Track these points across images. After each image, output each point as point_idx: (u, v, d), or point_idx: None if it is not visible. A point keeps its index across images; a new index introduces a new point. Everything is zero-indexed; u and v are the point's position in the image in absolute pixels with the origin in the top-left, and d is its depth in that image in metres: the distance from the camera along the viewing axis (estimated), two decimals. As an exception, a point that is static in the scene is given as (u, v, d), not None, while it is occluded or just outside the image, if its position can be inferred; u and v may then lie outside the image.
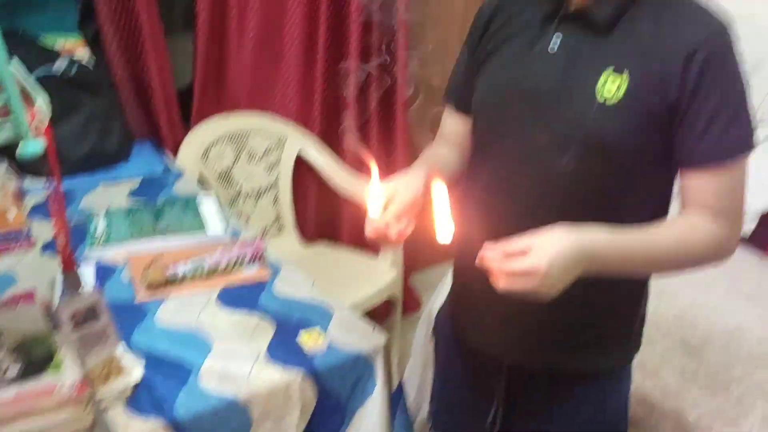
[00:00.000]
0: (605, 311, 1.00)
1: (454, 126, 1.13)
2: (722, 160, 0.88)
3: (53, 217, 0.88)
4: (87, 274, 1.30)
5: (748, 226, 2.19)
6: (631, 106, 0.87)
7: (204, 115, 2.11)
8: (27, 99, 0.75)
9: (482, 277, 1.01)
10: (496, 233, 0.96)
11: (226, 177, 2.17)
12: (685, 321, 1.76)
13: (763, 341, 1.69)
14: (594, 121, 0.89)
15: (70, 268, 0.91)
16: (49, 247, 1.39)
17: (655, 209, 0.97)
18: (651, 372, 1.62)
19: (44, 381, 0.86)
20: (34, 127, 0.75)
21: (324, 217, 2.41)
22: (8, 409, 0.80)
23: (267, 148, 2.23)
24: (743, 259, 2.14)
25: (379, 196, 0.93)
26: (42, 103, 0.75)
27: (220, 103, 2.15)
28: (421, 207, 0.95)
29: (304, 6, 2.10)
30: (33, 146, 0.75)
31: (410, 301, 2.61)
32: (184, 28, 2.18)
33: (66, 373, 0.88)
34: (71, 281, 0.92)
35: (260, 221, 2.25)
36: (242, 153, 2.20)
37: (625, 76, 0.87)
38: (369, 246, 2.36)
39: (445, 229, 0.87)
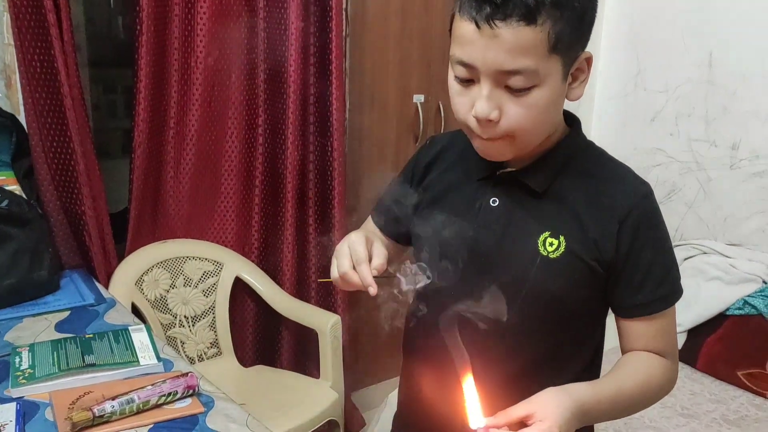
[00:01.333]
0: None
1: (378, 233, 1.17)
2: (659, 311, 0.96)
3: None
4: (8, 412, 1.23)
5: (678, 341, 2.28)
6: (571, 261, 0.94)
7: (139, 242, 2.10)
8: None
9: (426, 408, 1.02)
10: (442, 379, 1.00)
11: (161, 303, 2.13)
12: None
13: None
14: (538, 273, 0.94)
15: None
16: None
17: (593, 350, 1.05)
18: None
19: None
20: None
21: (262, 340, 2.38)
22: None
23: (204, 272, 2.22)
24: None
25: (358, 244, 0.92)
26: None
27: (156, 230, 2.15)
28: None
29: (241, 138, 2.18)
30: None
31: (354, 420, 2.55)
32: (121, 153, 2.21)
33: None
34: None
35: (197, 345, 2.20)
36: (178, 278, 2.18)
37: (562, 239, 0.94)
38: (308, 369, 2.33)
39: (475, 415, 0.86)
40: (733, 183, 2.55)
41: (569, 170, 0.96)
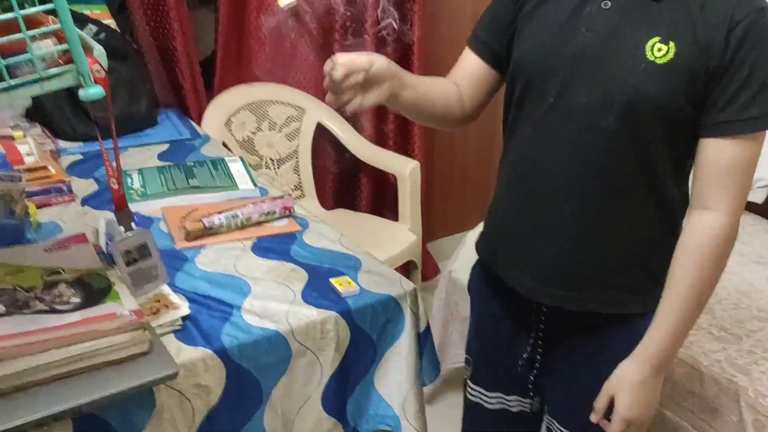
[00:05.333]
0: (638, 259, 1.05)
1: (467, 69, 1.15)
2: (741, 133, 0.93)
3: (105, 159, 0.94)
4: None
5: (760, 195, 2.25)
6: (677, 69, 0.92)
7: (226, 84, 2.16)
8: (85, 48, 0.80)
9: (520, 220, 1.06)
10: (537, 187, 1.03)
11: (248, 144, 2.23)
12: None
13: (773, 299, 1.75)
14: (641, 78, 0.93)
15: (123, 206, 0.96)
16: (88, 201, 1.45)
17: (685, 166, 1.02)
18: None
19: (106, 307, 0.92)
20: (94, 72, 0.80)
21: (343, 184, 2.47)
22: (75, 328, 0.86)
23: (287, 117, 2.29)
24: (754, 225, 2.20)
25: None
26: (100, 50, 0.80)
27: (241, 74, 2.20)
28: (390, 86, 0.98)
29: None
30: (94, 91, 0.80)
31: (428, 267, 2.67)
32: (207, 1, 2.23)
33: (124, 302, 0.94)
34: (124, 219, 0.98)
35: (282, 187, 2.31)
36: (263, 122, 2.25)
37: (672, 44, 0.92)
38: (386, 214, 2.43)
39: None
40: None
41: None
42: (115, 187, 0.95)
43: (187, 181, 1.54)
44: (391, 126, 2.45)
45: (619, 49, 0.94)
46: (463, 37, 1.19)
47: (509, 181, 1.12)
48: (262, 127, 2.25)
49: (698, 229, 0.98)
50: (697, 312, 1.01)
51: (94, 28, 1.79)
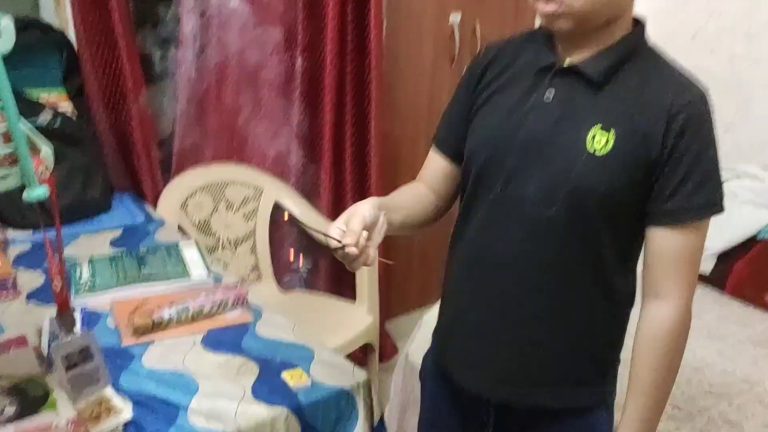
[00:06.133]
0: (586, 352, 1.06)
1: (433, 169, 1.19)
2: (686, 222, 0.96)
3: (50, 259, 0.93)
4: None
5: (708, 265, 2.30)
6: (618, 158, 0.95)
7: (183, 166, 2.17)
8: (32, 148, 0.80)
9: (468, 314, 1.08)
10: (486, 276, 1.04)
11: (204, 226, 2.22)
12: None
13: (724, 375, 1.77)
14: (583, 170, 0.95)
15: (65, 309, 0.95)
16: (33, 295, 1.42)
17: (631, 255, 1.05)
18: (618, 405, 1.68)
19: (41, 419, 0.89)
20: (39, 174, 0.81)
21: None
22: (8, 445, 0.83)
23: (245, 197, 2.30)
24: (703, 297, 2.25)
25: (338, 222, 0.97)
26: (47, 151, 0.81)
27: (199, 155, 2.21)
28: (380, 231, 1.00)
29: (281, 60, 2.20)
30: (39, 192, 0.81)
31: (387, 347, 2.64)
32: (166, 78, 2.26)
33: (61, 412, 0.91)
34: (66, 321, 0.96)
35: (239, 269, 2.29)
36: (220, 203, 2.25)
37: (612, 133, 0.95)
38: (346, 293, 2.42)
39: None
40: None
41: (629, 66, 0.98)
42: (57, 289, 0.94)
43: (139, 270, 1.52)
44: (349, 200, 2.47)
45: (561, 140, 0.98)
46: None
47: (460, 265, 1.13)
48: (219, 208, 2.25)
49: (653, 321, 1.00)
50: (662, 402, 1.02)
51: (50, 114, 1.79)
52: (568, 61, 1.00)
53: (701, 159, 0.94)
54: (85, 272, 1.50)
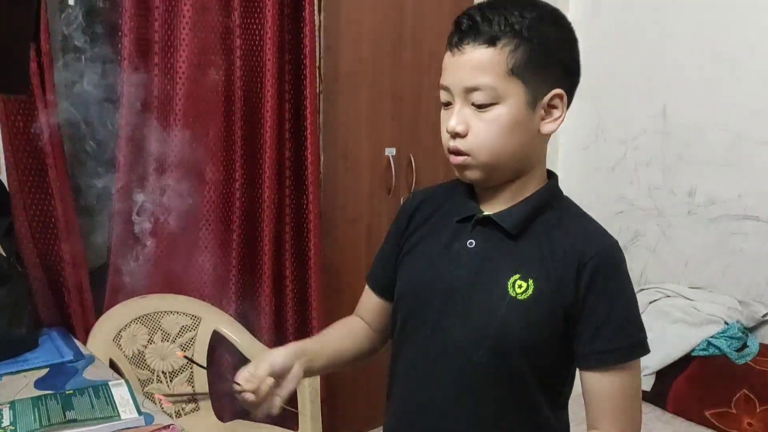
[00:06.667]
0: None
1: (368, 304, 1.24)
2: (612, 364, 0.98)
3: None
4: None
5: (647, 383, 2.34)
6: (537, 304, 0.98)
7: (117, 298, 2.11)
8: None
9: None
10: (421, 413, 1.04)
11: (138, 359, 2.14)
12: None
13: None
14: (506, 314, 0.99)
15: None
16: (-54, 447, 1.32)
17: (561, 393, 1.08)
18: None
19: None
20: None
21: (240, 395, 2.38)
22: None
23: (182, 327, 2.24)
24: (646, 415, 2.26)
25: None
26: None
27: (134, 285, 2.16)
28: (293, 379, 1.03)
29: (219, 193, 2.23)
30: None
31: (332, 477, 2.53)
32: (100, 209, 2.24)
33: None
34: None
35: (175, 403, 2.19)
36: (156, 333, 2.18)
37: (531, 281, 0.99)
38: (286, 422, 2.33)
39: None
40: (691, 228, 2.65)
41: (543, 217, 1.03)
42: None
43: (64, 414, 1.43)
44: (291, 329, 2.44)
45: (485, 286, 1.01)
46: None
47: (395, 401, 1.14)
48: (154, 339, 2.18)
49: None
50: None
51: (-24, 253, 1.74)
52: (485, 212, 1.05)
53: (616, 305, 0.98)
54: (6, 418, 1.41)
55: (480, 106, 0.97)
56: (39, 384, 1.63)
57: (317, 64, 2.36)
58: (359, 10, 2.57)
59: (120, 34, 1.96)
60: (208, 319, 2.25)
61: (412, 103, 2.79)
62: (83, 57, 2.07)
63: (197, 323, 2.25)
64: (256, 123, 2.24)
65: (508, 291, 0.99)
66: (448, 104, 1.02)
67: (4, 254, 1.79)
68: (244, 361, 2.26)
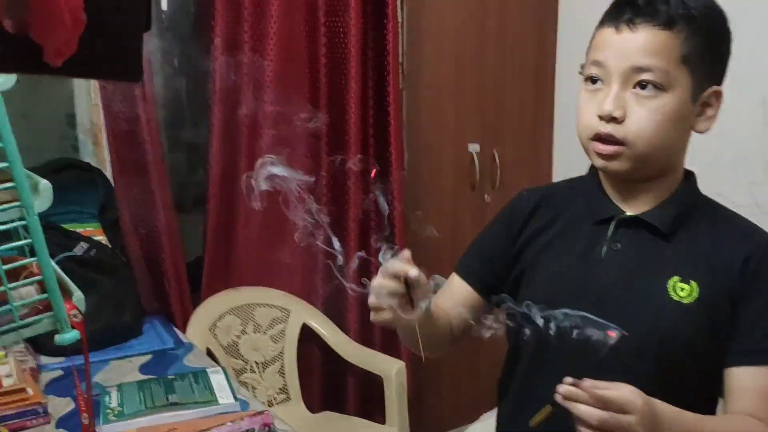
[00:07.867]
0: None
1: (455, 294, 1.17)
2: (763, 362, 0.93)
3: (78, 393, 0.94)
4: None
5: None
6: (704, 306, 0.93)
7: (213, 289, 2.21)
8: (64, 292, 0.83)
9: None
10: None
11: (233, 349, 2.23)
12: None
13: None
14: (669, 317, 0.93)
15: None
16: (63, 422, 1.42)
17: (713, 404, 1.02)
18: None
19: None
20: (70, 319, 0.83)
21: (330, 386, 2.43)
22: None
23: (272, 319, 2.31)
24: None
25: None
26: (79, 296, 0.84)
27: (228, 278, 2.26)
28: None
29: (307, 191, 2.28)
30: (69, 336, 0.82)
31: (418, 471, 2.54)
32: (195, 206, 2.35)
33: None
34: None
35: (267, 390, 2.27)
36: (248, 325, 2.27)
37: (695, 284, 0.94)
38: (374, 415, 2.36)
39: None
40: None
41: (693, 217, 0.98)
42: (86, 422, 0.95)
43: (167, 397, 1.52)
44: (376, 329, 2.47)
45: (641, 291, 0.96)
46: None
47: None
48: (247, 330, 2.27)
49: (744, 417, 0.93)
50: None
51: (85, 245, 1.86)
52: (630, 212, 1.00)
53: None
54: (114, 399, 1.50)
55: (644, 88, 0.90)
56: (143, 369, 1.73)
57: (400, 60, 2.39)
58: (442, 6, 2.58)
59: (212, 34, 2.04)
60: (297, 312, 2.32)
61: (495, 99, 2.76)
62: (174, 60, 2.20)
63: (287, 316, 2.32)
64: (341, 120, 2.28)
65: (669, 295, 0.94)
66: (595, 81, 0.95)
67: (110, 246, 1.92)
68: (332, 354, 2.31)
